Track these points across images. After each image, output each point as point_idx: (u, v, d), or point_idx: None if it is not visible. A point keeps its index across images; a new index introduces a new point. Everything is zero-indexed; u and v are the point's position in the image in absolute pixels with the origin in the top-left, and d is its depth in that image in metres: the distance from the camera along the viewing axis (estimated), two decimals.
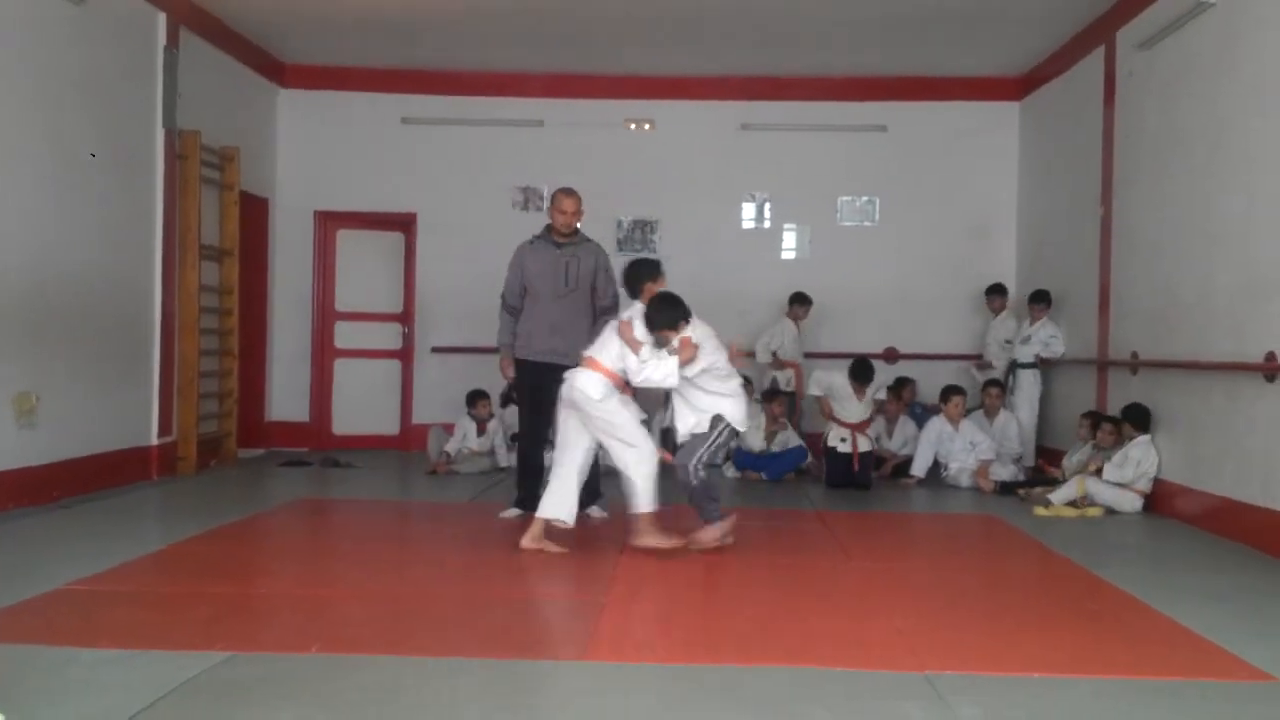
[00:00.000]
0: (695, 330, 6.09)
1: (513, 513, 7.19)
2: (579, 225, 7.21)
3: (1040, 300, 10.07)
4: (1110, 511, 7.80)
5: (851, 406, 9.31)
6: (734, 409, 6.21)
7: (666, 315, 6.04)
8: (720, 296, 11.42)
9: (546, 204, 7.21)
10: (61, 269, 7.56)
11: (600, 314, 7.11)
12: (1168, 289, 7.86)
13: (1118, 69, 8.86)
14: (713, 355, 6.10)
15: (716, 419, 6.18)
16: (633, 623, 4.51)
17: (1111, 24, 8.95)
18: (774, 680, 3.84)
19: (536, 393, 7.04)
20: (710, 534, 6.12)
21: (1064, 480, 8.30)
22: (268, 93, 11.29)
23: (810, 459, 9.80)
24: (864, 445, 9.20)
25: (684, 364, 5.99)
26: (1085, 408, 9.05)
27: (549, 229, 7.19)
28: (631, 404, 6.15)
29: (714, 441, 6.21)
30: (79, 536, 6.33)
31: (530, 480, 7.10)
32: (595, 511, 7.20)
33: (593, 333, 6.81)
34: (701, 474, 6.15)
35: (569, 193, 7.14)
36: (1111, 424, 8.32)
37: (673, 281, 11.18)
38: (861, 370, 9.25)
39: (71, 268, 7.68)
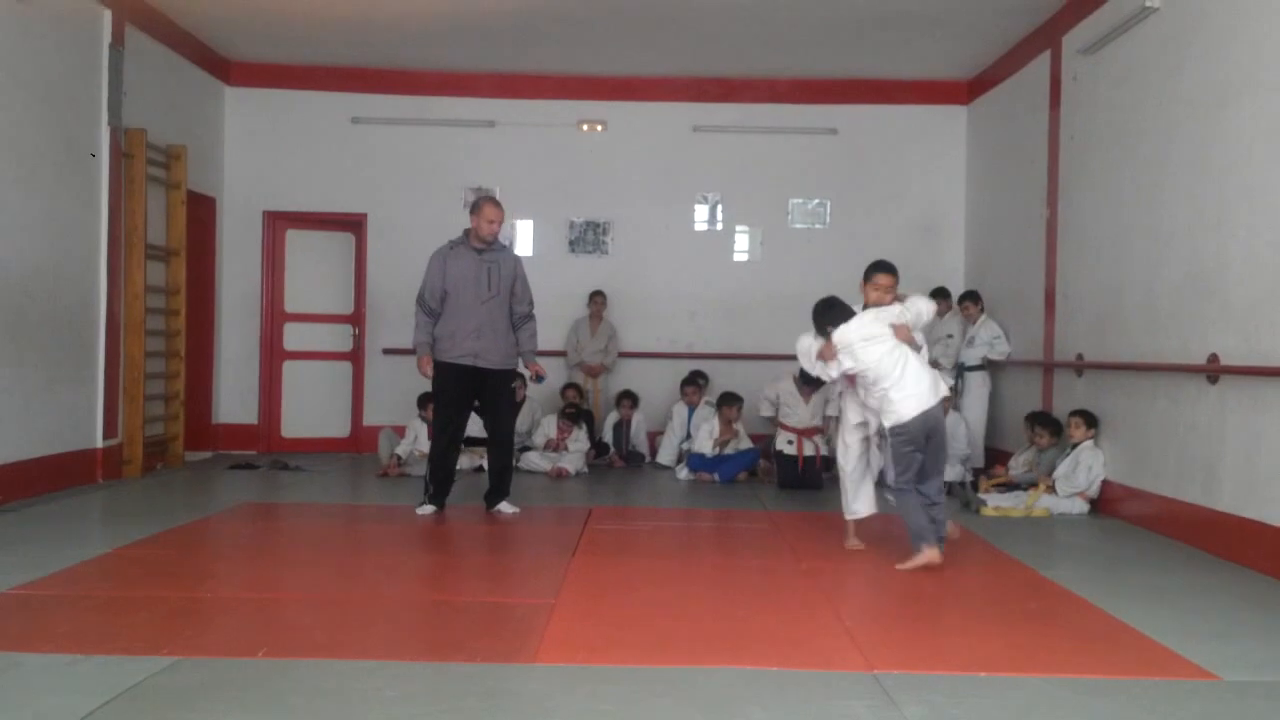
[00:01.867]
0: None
1: (428, 510, 7.41)
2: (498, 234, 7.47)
3: (969, 299, 10.22)
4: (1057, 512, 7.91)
5: (800, 411, 9.36)
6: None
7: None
8: (672, 298, 11.53)
9: (473, 210, 7.36)
10: (4, 268, 7.44)
11: (517, 320, 7.47)
12: (1113, 291, 7.97)
13: (1063, 73, 8.98)
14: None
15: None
16: (582, 625, 4.51)
17: (1057, 29, 9.07)
18: (722, 681, 3.85)
19: (456, 395, 7.37)
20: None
21: (1008, 479, 8.42)
22: (215, 91, 11.18)
23: (763, 461, 9.85)
24: (809, 450, 9.24)
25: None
26: (1032, 409, 9.15)
27: (468, 234, 7.40)
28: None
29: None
30: (22, 540, 6.23)
31: (443, 479, 7.45)
32: (505, 508, 7.50)
33: (510, 336, 7.34)
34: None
35: (495, 203, 7.42)
36: (1043, 426, 8.45)
37: (625, 283, 11.36)
38: (809, 375, 9.27)
39: (15, 267, 7.56)
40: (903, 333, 5.98)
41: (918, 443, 5.82)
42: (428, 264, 7.48)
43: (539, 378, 7.63)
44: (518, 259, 7.62)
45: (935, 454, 5.92)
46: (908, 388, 5.84)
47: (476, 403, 7.53)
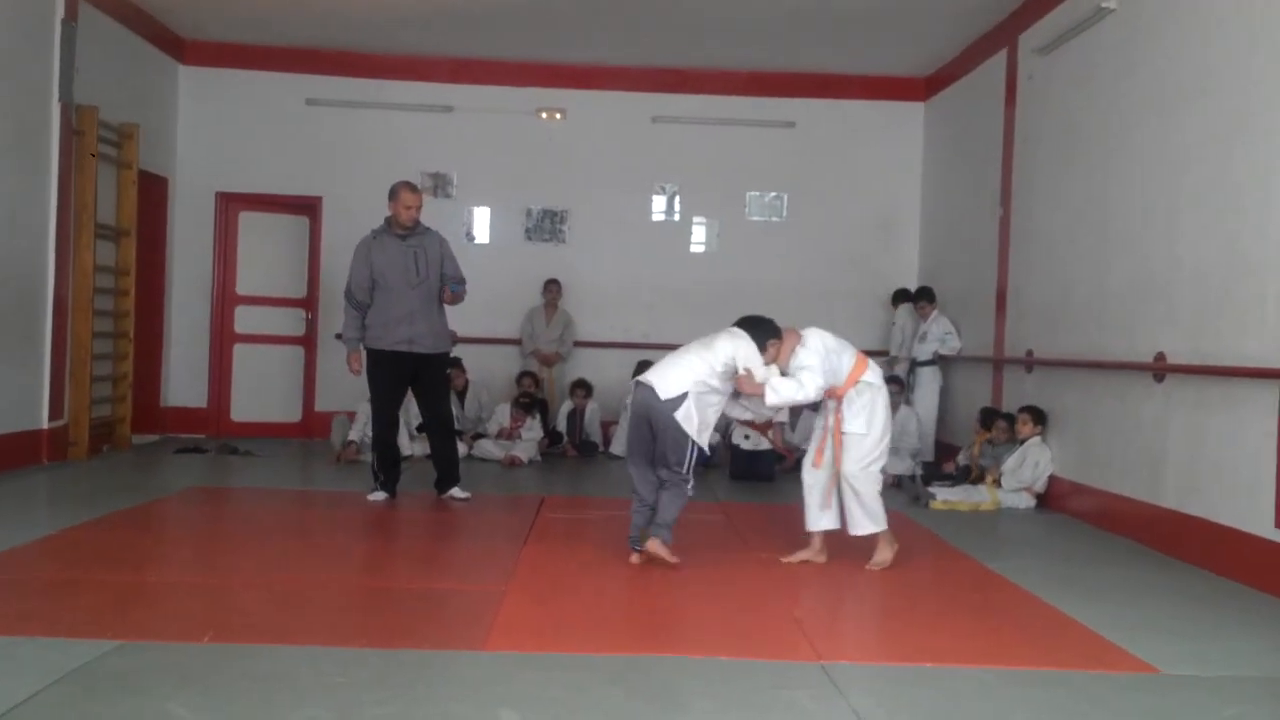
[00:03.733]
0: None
1: (379, 496, 7.42)
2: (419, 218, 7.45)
3: (923, 297, 10.34)
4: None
5: (755, 404, 9.35)
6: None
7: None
8: (628, 288, 11.54)
9: (391, 197, 7.35)
10: None
11: (452, 292, 7.44)
12: (1063, 289, 8.07)
13: (1019, 72, 9.06)
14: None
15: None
16: (532, 613, 4.51)
17: (1014, 28, 9.15)
18: (670, 669, 3.87)
19: (392, 382, 7.41)
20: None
21: (958, 473, 8.52)
22: (169, 70, 11.03)
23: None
24: (764, 445, 9.27)
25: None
26: (982, 404, 9.24)
27: (389, 222, 7.37)
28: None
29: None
30: None
31: (389, 465, 7.47)
32: (457, 493, 7.55)
33: (442, 319, 7.37)
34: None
35: (412, 188, 7.43)
36: (1005, 421, 8.53)
37: (581, 272, 11.34)
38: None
39: None
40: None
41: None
42: (352, 256, 7.45)
43: (453, 303, 7.49)
44: (443, 240, 7.55)
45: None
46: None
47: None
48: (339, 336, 7.84)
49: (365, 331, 7.37)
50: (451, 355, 8.25)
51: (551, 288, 11.25)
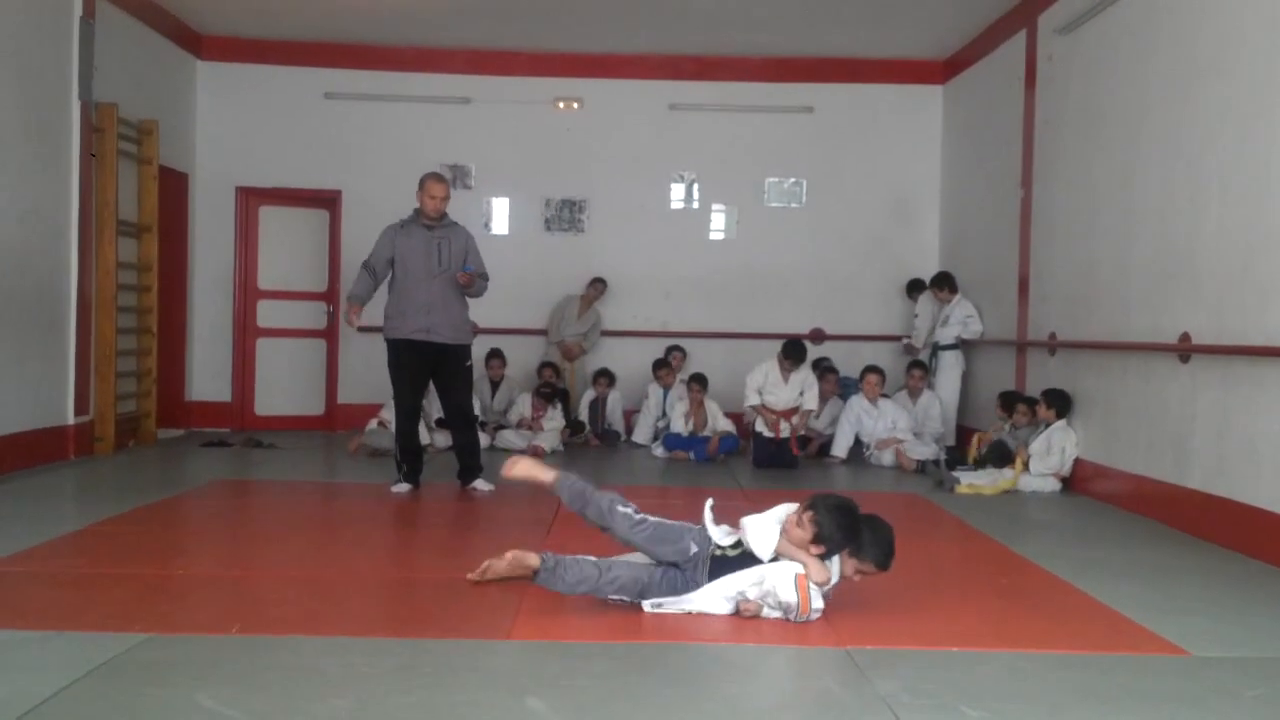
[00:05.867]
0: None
1: (403, 488, 7.43)
2: (446, 210, 7.46)
3: (941, 284, 10.30)
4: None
5: (780, 393, 9.37)
6: None
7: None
8: (648, 276, 11.52)
9: (417, 187, 7.39)
10: None
11: (466, 273, 7.36)
12: (1086, 270, 8.01)
13: (1039, 53, 9.00)
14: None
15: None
16: (557, 602, 4.50)
17: (1033, 9, 9.08)
18: (694, 656, 3.87)
19: (411, 371, 7.40)
20: None
21: (980, 458, 8.49)
22: (186, 65, 11.07)
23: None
24: (785, 431, 9.25)
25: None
26: (1005, 388, 9.20)
27: (418, 213, 7.42)
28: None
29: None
30: None
31: (412, 455, 7.48)
32: (480, 485, 7.54)
33: (462, 312, 7.36)
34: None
35: (439, 178, 7.45)
36: (1026, 404, 8.49)
37: (601, 261, 11.33)
38: (794, 349, 9.30)
39: None
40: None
41: None
42: (378, 237, 7.51)
43: (468, 284, 7.39)
44: (469, 234, 7.60)
45: None
46: None
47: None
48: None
49: (385, 322, 7.41)
50: (484, 347, 8.22)
51: (596, 285, 11.24)
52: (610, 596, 4.42)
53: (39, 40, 8.21)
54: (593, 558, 4.53)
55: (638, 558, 4.61)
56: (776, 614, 4.26)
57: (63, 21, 8.52)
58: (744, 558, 4.38)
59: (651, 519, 4.56)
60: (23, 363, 7.98)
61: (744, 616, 4.28)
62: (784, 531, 4.37)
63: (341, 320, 11.38)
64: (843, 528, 4.33)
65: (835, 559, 4.40)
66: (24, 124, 7.99)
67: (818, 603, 4.27)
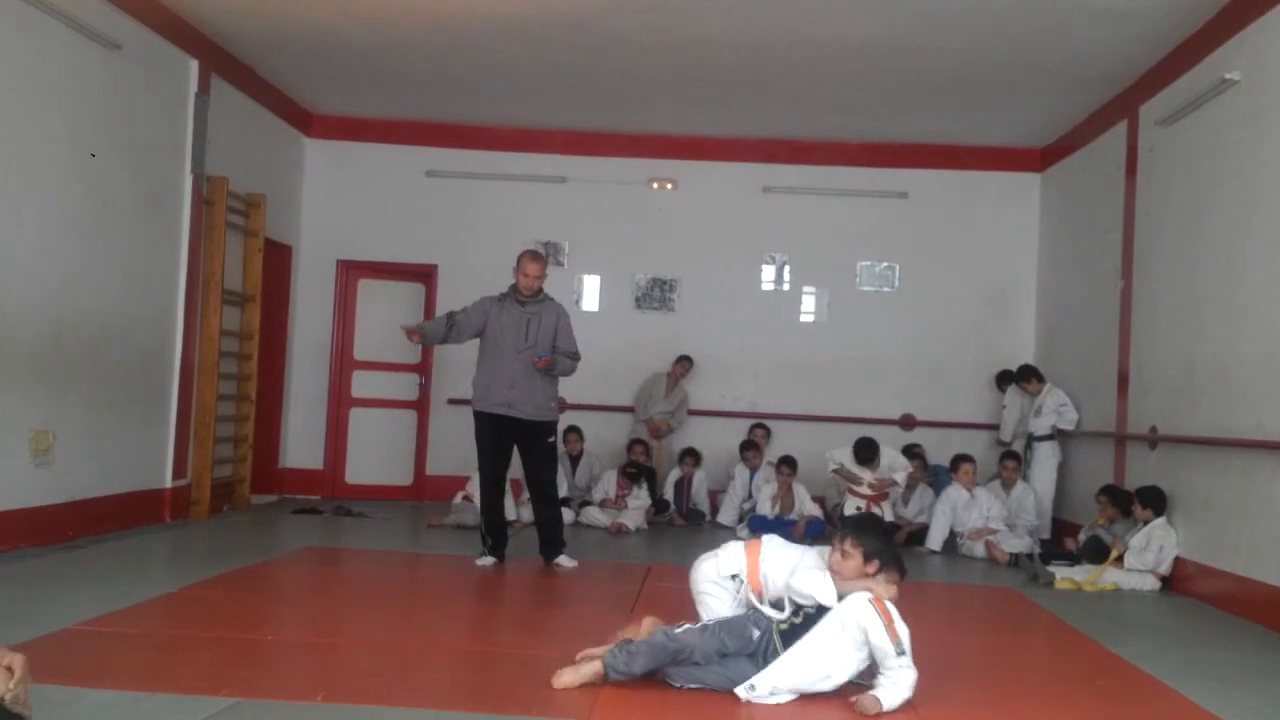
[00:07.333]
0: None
1: (488, 561, 7.45)
2: (542, 287, 7.55)
3: (1027, 376, 10.17)
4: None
5: (864, 475, 9.28)
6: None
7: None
8: (737, 357, 11.51)
9: (514, 264, 7.58)
10: (84, 308, 7.61)
11: (540, 358, 7.38)
12: (1188, 363, 7.83)
13: (1140, 143, 8.90)
14: None
15: None
16: (639, 685, 4.45)
17: (1134, 99, 9.00)
18: None
19: (494, 444, 7.45)
20: None
21: (1079, 553, 8.27)
22: (295, 141, 11.42)
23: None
24: (878, 514, 9.14)
25: None
26: (1104, 482, 8.97)
27: (513, 288, 7.52)
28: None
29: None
30: (89, 577, 6.33)
31: (497, 529, 7.51)
32: (564, 561, 7.53)
33: (547, 389, 7.36)
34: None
35: (535, 256, 7.56)
36: (1109, 498, 8.32)
37: (690, 340, 11.35)
38: (864, 451, 9.27)
39: (94, 308, 7.74)
40: None
41: None
42: (475, 302, 7.63)
43: (547, 368, 7.39)
44: (561, 311, 7.65)
45: None
46: None
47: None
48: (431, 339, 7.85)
49: (473, 393, 7.50)
50: (564, 423, 8.27)
51: (683, 363, 11.27)
52: (688, 685, 4.36)
53: (156, 114, 8.54)
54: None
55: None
56: (885, 679, 4.19)
57: (179, 97, 8.86)
58: (808, 621, 4.33)
59: (710, 621, 4.52)
60: (125, 426, 8.20)
61: (858, 713, 4.17)
62: (833, 572, 4.38)
63: (433, 391, 11.54)
64: (880, 536, 4.52)
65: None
66: (139, 194, 8.29)
67: (902, 627, 4.19)
